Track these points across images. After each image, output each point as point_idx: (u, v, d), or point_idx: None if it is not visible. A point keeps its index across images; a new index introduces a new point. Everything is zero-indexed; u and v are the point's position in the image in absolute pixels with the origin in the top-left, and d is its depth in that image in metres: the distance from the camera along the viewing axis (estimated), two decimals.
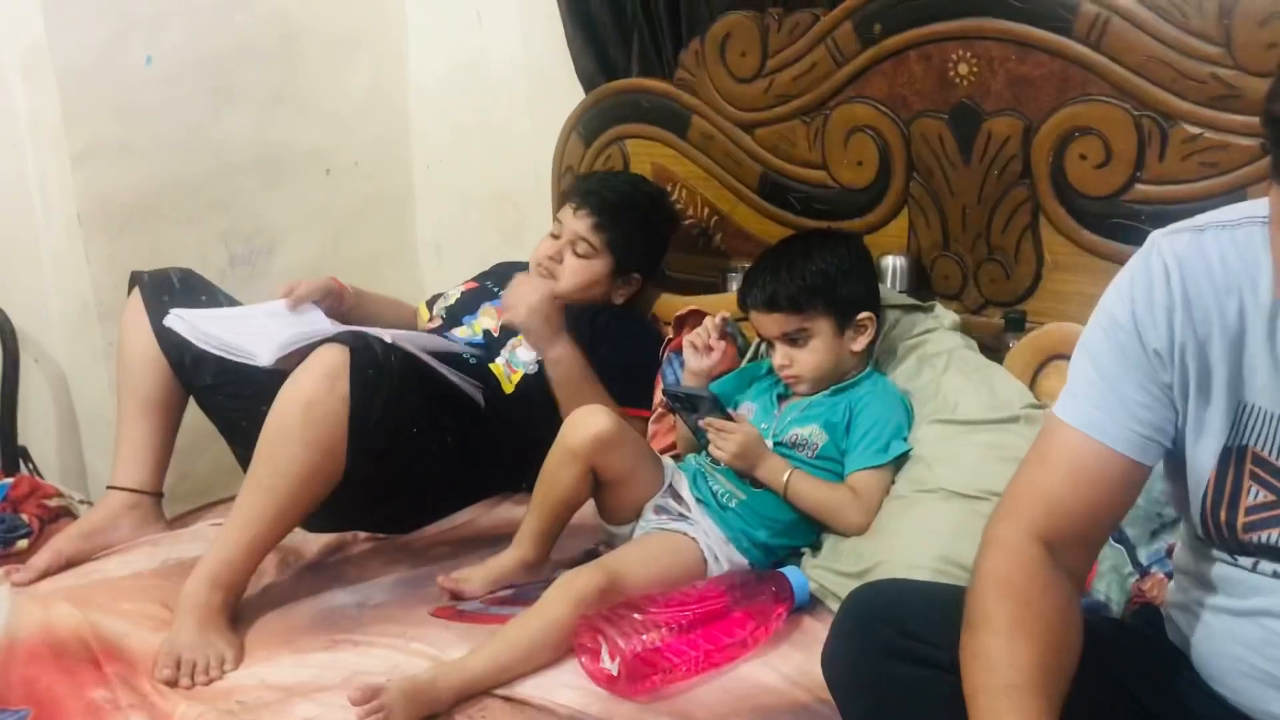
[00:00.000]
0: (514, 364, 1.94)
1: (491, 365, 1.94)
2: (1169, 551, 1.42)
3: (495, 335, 1.99)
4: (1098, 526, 1.09)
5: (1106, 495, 1.07)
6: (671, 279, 2.24)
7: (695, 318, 1.95)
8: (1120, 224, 1.70)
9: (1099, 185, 1.72)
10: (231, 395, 1.86)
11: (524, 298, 1.86)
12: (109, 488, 1.88)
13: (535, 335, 1.86)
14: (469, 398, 1.85)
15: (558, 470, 1.63)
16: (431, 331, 2.03)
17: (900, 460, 1.67)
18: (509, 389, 1.92)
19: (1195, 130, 1.61)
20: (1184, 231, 1.05)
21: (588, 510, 1.73)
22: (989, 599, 1.04)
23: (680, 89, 2.17)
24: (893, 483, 1.66)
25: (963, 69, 1.81)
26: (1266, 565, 1.03)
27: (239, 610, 1.58)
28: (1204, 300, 1.02)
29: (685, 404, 1.74)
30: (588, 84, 2.36)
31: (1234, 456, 1.03)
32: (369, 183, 2.73)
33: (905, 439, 1.69)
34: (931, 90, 1.86)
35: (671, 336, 2.03)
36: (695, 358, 1.84)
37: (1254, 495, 1.02)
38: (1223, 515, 1.04)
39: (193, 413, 1.94)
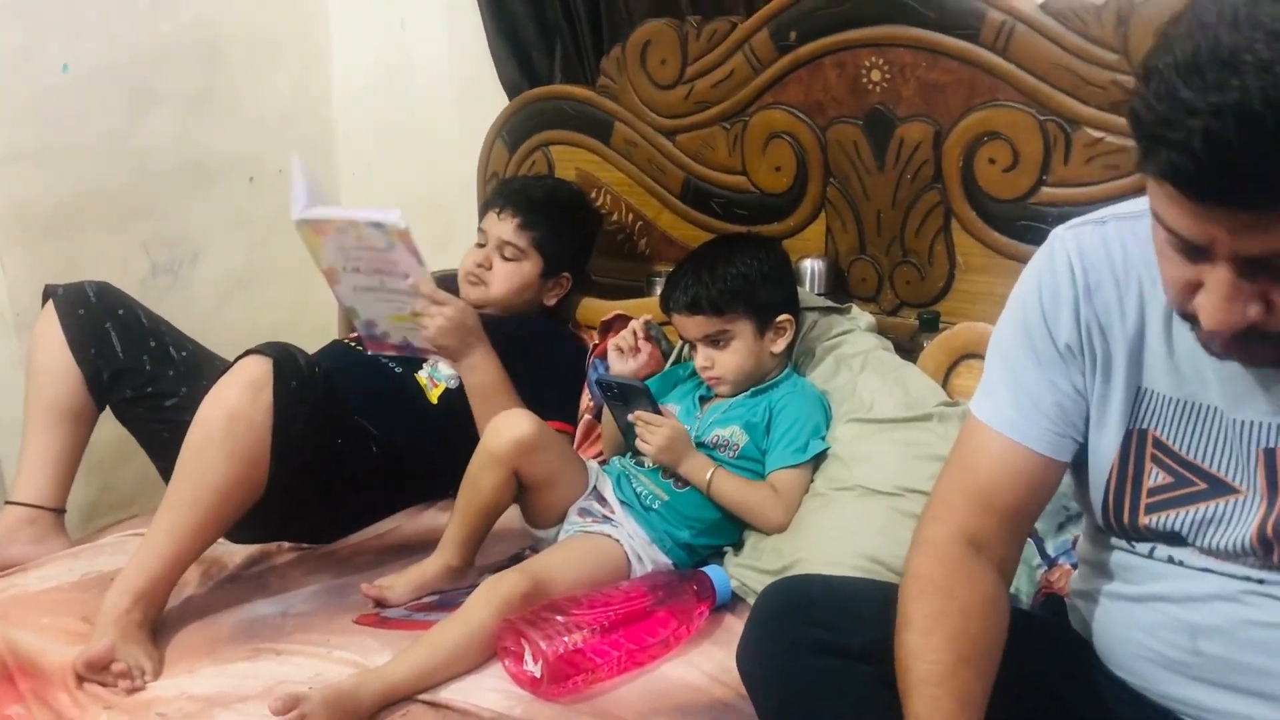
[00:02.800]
0: (436, 378, 1.95)
1: (416, 376, 1.95)
2: (1075, 543, 1.47)
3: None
4: (1022, 520, 1.13)
5: (1027, 492, 1.11)
6: (597, 284, 2.26)
7: (620, 322, 1.98)
8: (1028, 226, 1.75)
9: (1007, 188, 1.77)
10: (153, 408, 1.84)
11: (433, 318, 1.81)
12: (7, 502, 1.85)
13: (448, 351, 1.84)
14: (397, 405, 1.86)
15: (480, 475, 1.64)
16: (355, 341, 2.02)
17: (819, 459, 1.71)
18: (433, 400, 1.93)
19: (1097, 134, 1.67)
20: (1086, 224, 1.10)
21: (514, 515, 1.75)
22: (910, 598, 1.08)
23: (602, 96, 2.20)
24: (812, 481, 1.70)
25: (875, 75, 1.85)
26: (1162, 551, 1.08)
27: (160, 622, 1.57)
28: (1105, 290, 1.07)
29: (618, 395, 1.76)
30: (511, 90, 2.37)
31: (1135, 440, 1.07)
32: None
33: (823, 438, 1.72)
34: (846, 97, 1.89)
35: (597, 342, 2.05)
36: (620, 360, 1.86)
37: (1154, 478, 1.06)
38: (1125, 501, 1.08)
39: (117, 425, 1.92)
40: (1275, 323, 0.87)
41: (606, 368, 1.91)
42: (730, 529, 1.71)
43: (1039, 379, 1.10)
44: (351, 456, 1.75)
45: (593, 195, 2.24)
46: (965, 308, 1.85)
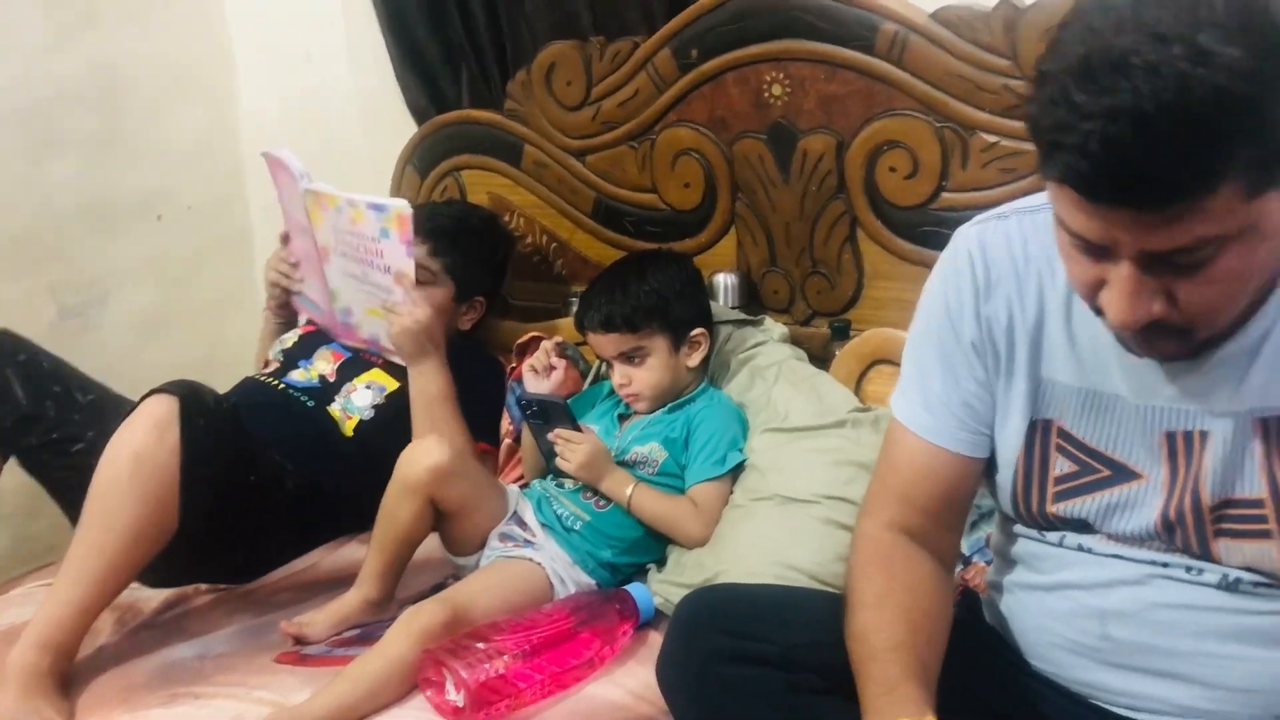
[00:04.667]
0: (350, 410, 1.92)
1: (329, 409, 1.92)
2: (988, 540, 1.49)
3: (331, 380, 1.97)
4: (949, 513, 1.17)
5: (950, 488, 1.15)
6: (514, 307, 2.25)
7: (535, 344, 1.97)
8: (930, 232, 1.77)
9: (909, 196, 1.79)
10: (59, 454, 1.78)
11: (401, 319, 1.82)
12: None
13: (404, 353, 1.84)
14: (311, 440, 1.84)
15: (396, 505, 1.62)
16: (267, 376, 2.00)
17: (737, 470, 1.72)
18: (348, 433, 1.91)
19: (992, 139, 1.70)
20: (988, 220, 1.13)
21: (435, 544, 1.73)
22: (857, 580, 1.12)
23: (510, 119, 2.20)
24: (731, 493, 1.70)
25: (776, 90, 1.87)
26: (1071, 539, 1.10)
27: (72, 673, 1.52)
28: (1006, 282, 1.09)
29: (537, 414, 1.75)
30: (419, 117, 2.37)
31: (1039, 430, 1.10)
32: (205, 227, 2.67)
33: (741, 449, 1.73)
34: (749, 111, 1.91)
35: (514, 365, 2.04)
36: (535, 381, 1.85)
37: (1060, 466, 1.09)
38: (1033, 491, 1.10)
39: (26, 475, 1.87)
40: (1178, 316, 0.90)
41: (524, 391, 1.90)
42: (653, 546, 1.71)
43: (947, 379, 1.13)
44: (266, 494, 1.72)
45: (506, 218, 2.24)
46: (875, 314, 1.87)
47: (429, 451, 1.61)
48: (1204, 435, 1.01)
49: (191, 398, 1.57)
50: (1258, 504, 0.99)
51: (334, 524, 1.90)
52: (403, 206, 1.77)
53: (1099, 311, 0.93)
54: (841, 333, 1.88)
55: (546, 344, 1.89)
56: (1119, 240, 0.86)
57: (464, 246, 2.03)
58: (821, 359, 1.88)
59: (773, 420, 1.74)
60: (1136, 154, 0.78)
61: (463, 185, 2.30)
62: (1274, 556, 0.99)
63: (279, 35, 2.62)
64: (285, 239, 2.03)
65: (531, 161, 2.20)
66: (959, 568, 1.51)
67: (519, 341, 2.05)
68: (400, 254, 1.80)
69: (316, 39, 2.56)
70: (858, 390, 1.79)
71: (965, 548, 1.51)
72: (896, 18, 1.73)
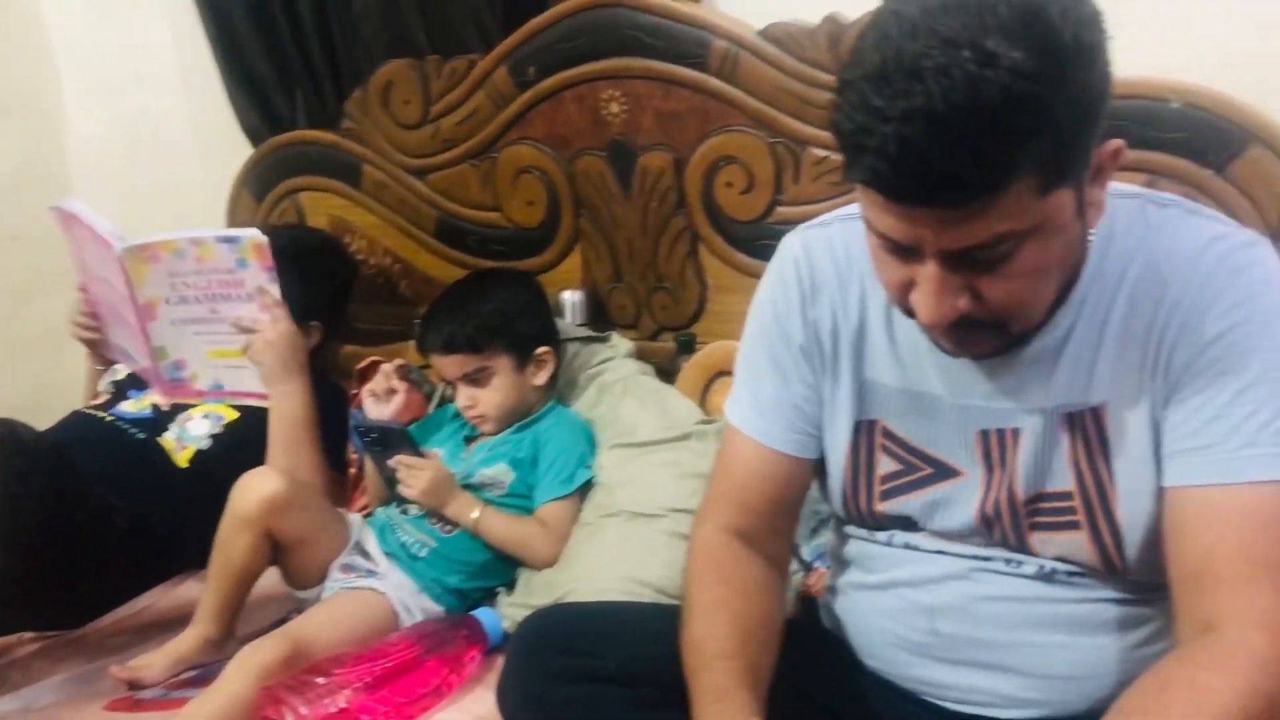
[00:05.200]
0: (185, 439, 1.86)
1: (160, 440, 1.85)
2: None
3: (165, 410, 1.90)
4: (781, 516, 1.18)
5: (782, 489, 1.16)
6: (358, 331, 2.20)
7: (375, 369, 1.93)
8: (768, 245, 1.73)
9: (746, 210, 1.81)
10: None
11: (264, 330, 1.77)
12: None
13: (266, 370, 1.78)
14: (142, 473, 1.77)
15: (231, 539, 1.57)
16: (94, 408, 1.92)
17: (586, 488, 1.71)
18: (183, 464, 1.83)
19: (822, 153, 1.73)
20: (813, 227, 1.16)
21: (277, 578, 1.68)
22: (691, 588, 1.12)
23: (348, 139, 2.16)
24: (580, 511, 1.70)
25: (614, 107, 1.88)
26: (899, 537, 1.13)
27: None
28: (830, 286, 1.12)
29: (376, 441, 1.72)
30: (254, 138, 2.31)
31: (864, 431, 1.12)
32: (33, 257, 2.55)
33: (589, 466, 1.72)
34: (588, 129, 1.92)
35: (355, 391, 2.00)
36: (376, 407, 1.81)
37: (884, 465, 1.11)
38: (861, 490, 1.13)
39: None
40: (984, 311, 0.92)
41: (363, 416, 1.86)
42: (502, 569, 1.69)
43: (777, 382, 1.15)
44: (94, 533, 1.64)
45: (347, 240, 2.20)
46: (719, 327, 1.89)
47: (263, 482, 1.57)
48: (1016, 433, 1.04)
49: (7, 436, 1.51)
50: (1067, 496, 1.03)
51: (170, 561, 1.83)
52: (256, 235, 1.74)
53: (910, 313, 0.96)
54: (687, 346, 1.90)
55: (386, 367, 1.85)
56: (922, 239, 0.88)
57: (296, 271, 1.97)
58: (669, 373, 1.89)
59: (621, 436, 1.74)
60: (932, 153, 0.81)
61: (301, 208, 2.25)
62: (1084, 547, 1.02)
63: (106, 59, 2.53)
64: (83, 289, 1.94)
65: (371, 182, 2.16)
66: (801, 574, 1.53)
67: (359, 367, 2.01)
68: (264, 279, 1.76)
69: (147, 62, 2.48)
70: (703, 402, 1.80)
71: (807, 554, 1.54)
72: (727, 35, 1.75)
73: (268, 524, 1.57)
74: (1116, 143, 0.91)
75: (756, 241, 1.81)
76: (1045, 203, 0.86)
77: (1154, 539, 1.00)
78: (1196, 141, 1.46)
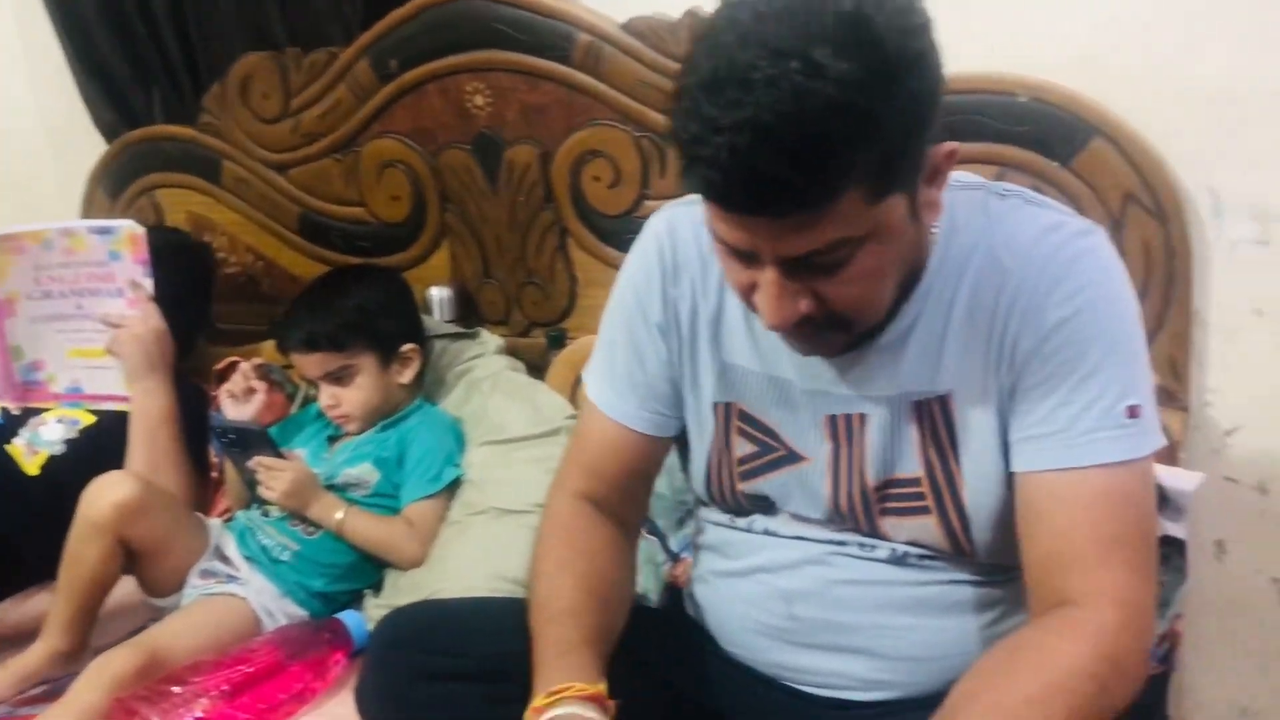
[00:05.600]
0: (37, 444, 1.78)
1: (8, 447, 1.77)
2: None
3: (15, 414, 1.82)
4: (632, 486, 1.20)
5: (636, 462, 1.18)
6: (222, 331, 2.14)
7: (234, 369, 1.88)
8: (635, 239, 1.80)
9: (613, 204, 1.81)
10: None
11: (132, 325, 1.73)
12: None
13: (130, 365, 1.73)
14: None
15: (81, 547, 1.51)
16: None
17: (453, 487, 1.69)
18: (33, 471, 1.76)
19: None
20: (680, 206, 1.16)
21: (133, 587, 1.62)
22: (540, 550, 1.14)
23: (206, 134, 2.09)
24: (448, 509, 1.67)
25: (479, 100, 1.86)
26: (759, 523, 1.15)
27: None
28: (691, 267, 1.12)
29: (235, 442, 1.68)
30: (109, 135, 2.22)
31: (723, 413, 1.13)
32: None
33: (457, 465, 1.70)
34: (453, 122, 1.89)
35: (215, 393, 1.94)
36: (235, 408, 1.76)
37: (742, 447, 1.13)
38: (723, 472, 1.14)
39: None
40: (826, 312, 0.94)
41: (221, 417, 1.81)
42: (368, 571, 1.66)
43: (632, 360, 1.16)
44: None
45: (207, 238, 2.13)
46: (589, 322, 1.88)
47: (115, 486, 1.51)
48: (863, 418, 1.06)
49: None
50: (915, 482, 1.05)
51: (19, 573, 1.74)
52: (133, 226, 1.73)
53: (758, 312, 0.96)
54: (557, 341, 1.89)
55: (244, 367, 1.81)
56: (759, 247, 0.89)
57: (161, 271, 1.91)
58: (540, 369, 1.88)
59: (490, 433, 1.73)
60: (761, 164, 0.81)
61: (159, 206, 2.17)
62: (933, 531, 1.05)
63: None
64: None
65: (231, 178, 2.10)
66: (668, 564, 1.54)
67: (217, 367, 1.96)
68: (138, 273, 1.74)
69: None
70: (573, 397, 1.79)
71: (674, 545, 1.55)
72: (590, 28, 1.74)
73: (120, 530, 1.51)
74: (951, 145, 0.92)
75: (625, 235, 1.79)
76: (877, 209, 0.87)
77: (1001, 523, 1.03)
78: (1043, 134, 1.50)
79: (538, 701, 0.98)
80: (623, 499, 1.19)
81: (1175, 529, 1.30)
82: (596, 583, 1.10)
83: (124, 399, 1.76)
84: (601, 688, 0.99)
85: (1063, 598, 0.94)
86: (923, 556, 1.08)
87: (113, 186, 2.20)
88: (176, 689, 1.35)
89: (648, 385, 1.16)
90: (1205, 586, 1.61)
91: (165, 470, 1.72)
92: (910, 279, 1.01)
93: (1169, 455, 1.44)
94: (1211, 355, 1.55)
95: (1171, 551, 1.31)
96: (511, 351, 1.89)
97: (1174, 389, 1.53)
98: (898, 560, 1.08)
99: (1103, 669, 0.89)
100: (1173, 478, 1.31)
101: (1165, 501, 1.29)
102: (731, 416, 1.13)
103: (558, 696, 0.97)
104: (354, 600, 1.65)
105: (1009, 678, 0.90)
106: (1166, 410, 1.50)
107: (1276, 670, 1.63)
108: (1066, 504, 0.96)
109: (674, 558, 1.53)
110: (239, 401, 1.77)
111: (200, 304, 2.04)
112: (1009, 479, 1.01)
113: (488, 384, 1.80)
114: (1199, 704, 1.69)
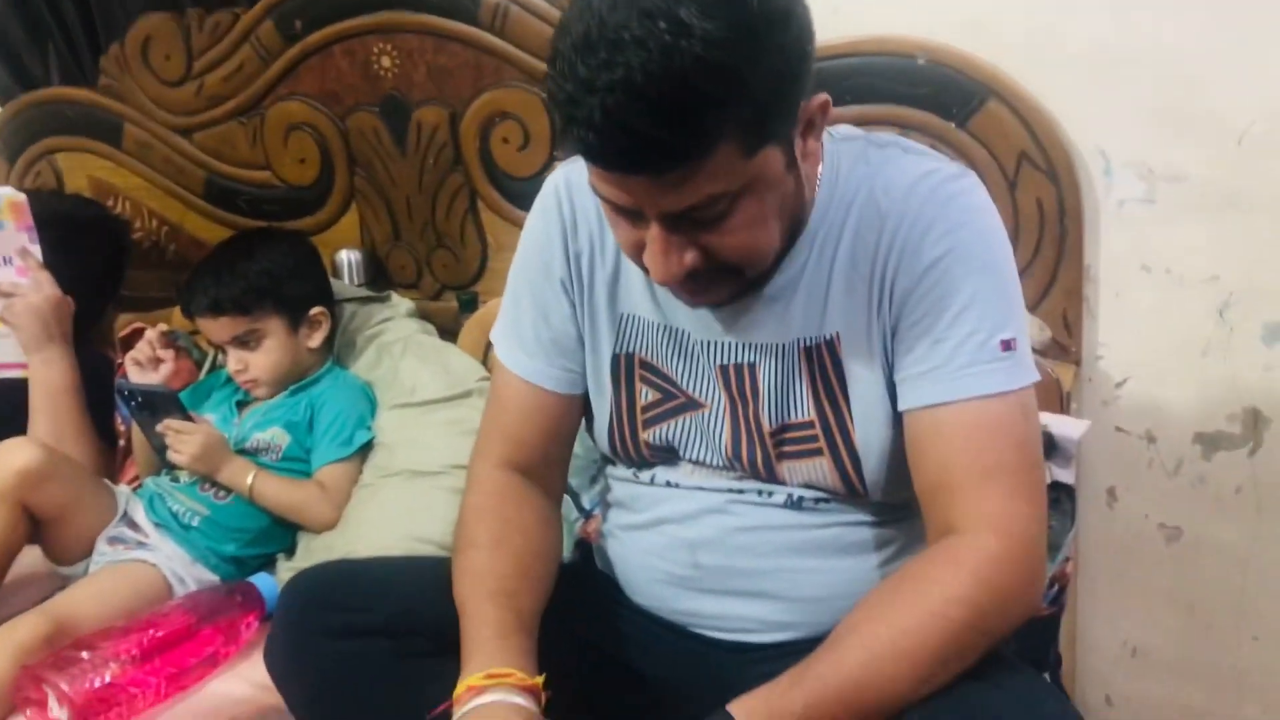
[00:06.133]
0: None
1: None
2: None
3: None
4: (554, 448, 1.21)
5: (554, 424, 1.19)
6: (126, 298, 2.10)
7: (139, 336, 1.85)
8: None
9: (523, 166, 1.82)
10: None
11: (25, 294, 1.71)
12: None
13: (26, 334, 1.71)
14: None
15: None
16: None
17: (365, 450, 1.69)
18: None
19: None
20: (576, 163, 1.16)
21: (39, 556, 1.60)
22: (472, 522, 1.14)
23: (106, 96, 2.05)
24: (360, 473, 1.68)
25: (386, 62, 1.85)
26: (662, 475, 1.17)
27: None
28: (590, 220, 1.14)
29: (143, 405, 1.66)
30: (4, 96, 2.16)
31: (624, 364, 1.15)
32: None
33: (369, 428, 1.70)
34: (360, 84, 1.88)
35: (120, 361, 1.91)
36: (141, 375, 1.74)
37: (645, 396, 1.15)
38: (626, 423, 1.16)
39: None
40: (714, 263, 0.96)
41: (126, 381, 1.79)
42: (281, 535, 1.66)
43: (538, 318, 1.17)
44: None
45: (110, 203, 2.09)
46: (500, 285, 1.80)
47: (16, 453, 1.49)
48: (752, 367, 1.09)
49: None
50: (809, 425, 1.08)
51: None
52: (12, 193, 1.70)
53: (647, 270, 0.98)
54: (470, 305, 1.90)
55: (149, 333, 1.78)
56: (641, 204, 0.92)
57: (65, 241, 1.87)
58: (452, 332, 1.88)
59: (401, 396, 1.73)
60: (634, 124, 0.83)
61: (59, 170, 2.13)
62: (827, 473, 1.08)
63: None
64: None
65: (133, 141, 2.06)
66: (580, 520, 1.56)
67: (121, 334, 1.93)
68: (22, 240, 1.71)
69: None
70: (485, 360, 1.80)
71: (586, 502, 1.57)
72: None
73: (23, 497, 1.49)
74: (823, 96, 0.95)
75: (534, 198, 1.81)
76: (752, 162, 0.90)
77: (892, 462, 1.06)
78: (941, 96, 1.54)
79: (475, 680, 0.98)
80: (547, 464, 1.20)
81: (1064, 474, 1.36)
82: (530, 561, 1.11)
83: (22, 365, 1.73)
84: (541, 681, 1.01)
85: (948, 528, 0.97)
86: (819, 500, 1.11)
87: (9, 151, 2.15)
88: (85, 655, 1.33)
89: (554, 341, 1.17)
90: (1096, 532, 1.68)
91: (69, 439, 1.69)
92: (796, 228, 1.04)
93: (1062, 406, 1.50)
94: (1102, 310, 1.60)
95: (1061, 496, 1.36)
96: (423, 315, 1.89)
97: (1066, 343, 1.58)
98: (795, 505, 1.11)
99: (980, 594, 0.92)
100: (1060, 425, 1.37)
101: (1054, 449, 1.34)
102: (634, 366, 1.15)
103: (500, 680, 0.98)
104: (267, 564, 1.65)
105: (889, 608, 0.94)
106: (1059, 364, 1.56)
107: (1164, 611, 1.71)
108: (945, 436, 0.99)
109: (586, 514, 1.55)
110: (145, 369, 1.74)
111: (113, 276, 2.00)
112: (897, 419, 1.04)
113: (398, 347, 1.80)
114: (1090, 645, 1.76)
